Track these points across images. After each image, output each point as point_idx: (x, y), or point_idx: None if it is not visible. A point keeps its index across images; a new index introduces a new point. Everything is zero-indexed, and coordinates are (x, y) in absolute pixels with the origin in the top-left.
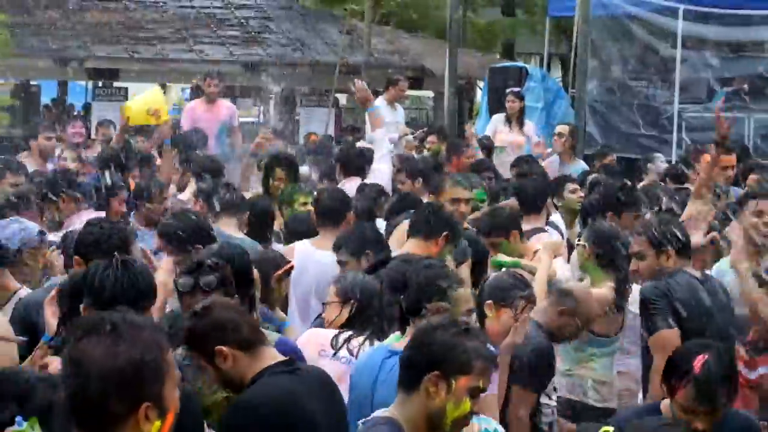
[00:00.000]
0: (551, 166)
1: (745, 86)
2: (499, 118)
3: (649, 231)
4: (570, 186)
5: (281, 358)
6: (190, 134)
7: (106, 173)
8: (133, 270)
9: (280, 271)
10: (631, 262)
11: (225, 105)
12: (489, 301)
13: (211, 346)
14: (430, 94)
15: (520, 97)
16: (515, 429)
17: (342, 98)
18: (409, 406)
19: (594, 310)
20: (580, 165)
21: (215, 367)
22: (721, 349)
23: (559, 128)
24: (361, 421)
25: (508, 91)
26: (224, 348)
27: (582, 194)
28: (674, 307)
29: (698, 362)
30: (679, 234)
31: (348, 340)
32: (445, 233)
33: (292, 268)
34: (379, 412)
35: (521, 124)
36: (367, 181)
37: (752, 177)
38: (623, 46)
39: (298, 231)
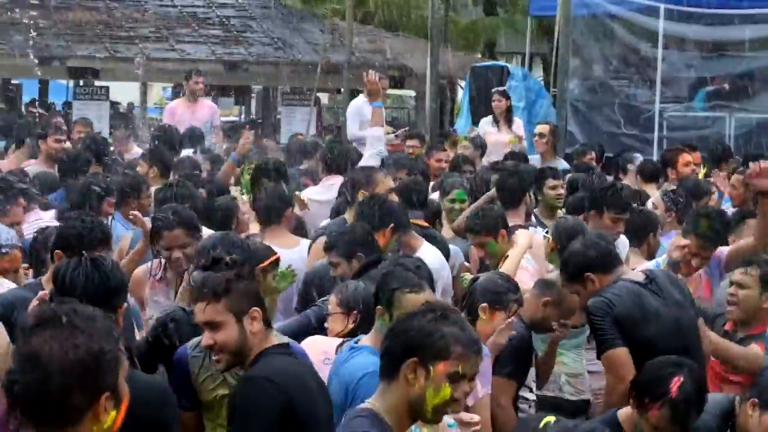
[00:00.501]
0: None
1: (726, 85)
2: (486, 120)
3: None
4: (550, 182)
5: (280, 341)
6: (173, 133)
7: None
8: (103, 268)
9: (265, 263)
10: None
11: (207, 104)
12: (484, 305)
13: (248, 305)
14: (412, 93)
15: (506, 96)
16: (500, 418)
17: (323, 97)
18: (389, 395)
19: (576, 300)
20: (561, 164)
21: (241, 326)
22: (694, 368)
23: (539, 128)
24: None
25: (493, 90)
26: (258, 311)
27: (562, 191)
28: (618, 323)
29: (674, 385)
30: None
31: None
32: (390, 225)
33: (278, 260)
34: (360, 405)
35: (509, 123)
36: None
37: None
38: (604, 45)
39: None
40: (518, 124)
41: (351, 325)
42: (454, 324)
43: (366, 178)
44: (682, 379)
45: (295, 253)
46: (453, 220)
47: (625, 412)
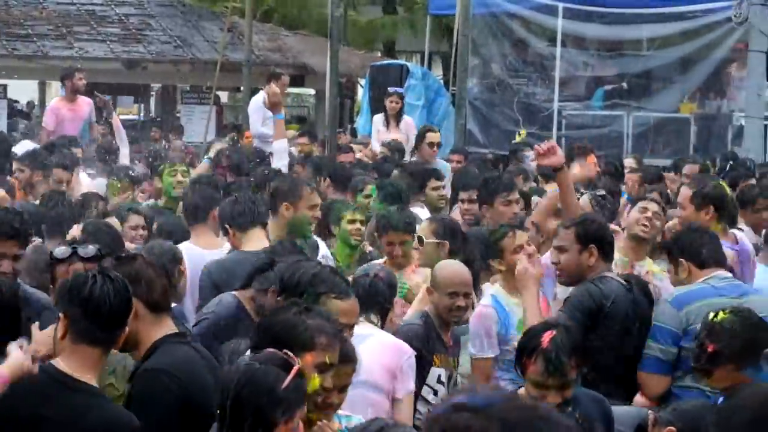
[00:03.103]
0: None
1: (624, 84)
2: (379, 118)
3: (579, 226)
4: (433, 183)
5: (177, 330)
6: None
7: None
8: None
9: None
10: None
11: (85, 101)
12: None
13: None
14: (312, 91)
15: (402, 97)
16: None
17: (223, 96)
18: None
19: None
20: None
21: None
22: (570, 326)
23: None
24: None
25: (391, 90)
26: (132, 299)
27: (444, 192)
28: (603, 318)
29: (546, 337)
30: (606, 234)
31: None
32: (285, 202)
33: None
34: None
35: (398, 123)
36: None
37: (630, 176)
38: (503, 44)
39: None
40: (407, 122)
41: None
42: (317, 316)
43: (291, 191)
44: (554, 333)
45: (215, 255)
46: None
47: (523, 389)
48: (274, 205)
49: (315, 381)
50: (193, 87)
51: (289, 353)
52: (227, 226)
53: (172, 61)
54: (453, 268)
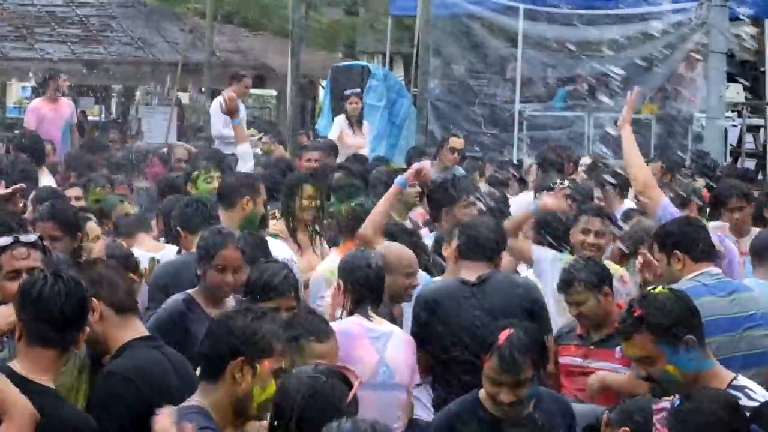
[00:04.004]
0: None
1: (585, 85)
2: (342, 120)
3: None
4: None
5: (147, 333)
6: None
7: None
8: None
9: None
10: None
11: (66, 103)
12: None
13: None
14: (273, 92)
15: (362, 98)
16: None
17: (184, 97)
18: (214, 394)
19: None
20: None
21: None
22: (530, 327)
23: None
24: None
25: (350, 92)
26: (95, 301)
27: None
28: (421, 314)
29: (503, 335)
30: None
31: None
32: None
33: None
34: (187, 402)
35: (360, 126)
36: None
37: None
38: (464, 45)
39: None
40: (366, 127)
41: None
42: (272, 321)
43: (251, 185)
44: (512, 331)
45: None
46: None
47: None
48: (231, 199)
49: (271, 387)
50: (154, 88)
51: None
52: (178, 228)
53: (133, 62)
54: (403, 249)
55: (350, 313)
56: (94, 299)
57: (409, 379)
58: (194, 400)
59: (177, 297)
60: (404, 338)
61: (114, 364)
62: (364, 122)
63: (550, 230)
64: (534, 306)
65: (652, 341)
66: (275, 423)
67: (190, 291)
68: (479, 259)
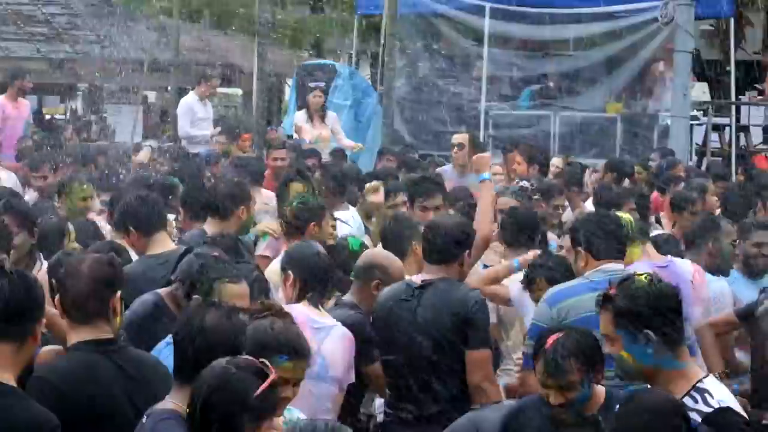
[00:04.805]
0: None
1: (551, 84)
2: (301, 115)
3: None
4: (375, 183)
5: (105, 336)
6: None
7: None
8: None
9: None
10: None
11: (25, 102)
12: None
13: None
14: (239, 91)
15: (325, 92)
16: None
17: (151, 95)
18: (187, 394)
19: (401, 269)
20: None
21: None
22: (580, 331)
23: (459, 138)
24: (147, 411)
25: (313, 85)
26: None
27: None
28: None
29: (551, 339)
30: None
31: None
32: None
33: None
34: (161, 404)
35: (322, 118)
36: None
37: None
38: (431, 43)
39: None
40: (333, 117)
41: None
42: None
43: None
44: (559, 335)
45: None
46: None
47: None
48: (225, 209)
49: None
50: (121, 87)
51: (266, 362)
52: (130, 227)
53: (99, 60)
54: (399, 262)
55: (297, 302)
56: (59, 297)
57: (342, 375)
58: (169, 402)
59: (146, 298)
60: (345, 335)
61: (44, 368)
62: (329, 113)
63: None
64: (465, 319)
65: (611, 322)
66: (188, 412)
67: (160, 291)
68: (435, 261)
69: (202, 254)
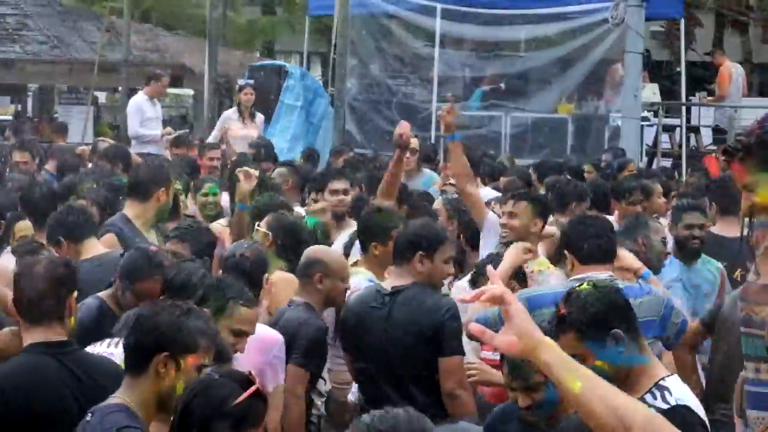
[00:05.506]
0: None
1: (502, 85)
2: (232, 113)
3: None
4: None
5: (58, 339)
6: None
7: None
8: None
9: None
10: None
11: None
12: None
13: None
14: (190, 92)
15: (255, 89)
16: (293, 407)
17: (101, 96)
18: (138, 389)
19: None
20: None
21: None
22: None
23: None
24: (90, 409)
25: (243, 83)
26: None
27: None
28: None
29: None
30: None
31: None
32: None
33: None
34: (109, 400)
35: (252, 117)
36: None
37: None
38: (382, 44)
39: None
40: (261, 119)
41: None
42: (198, 318)
43: (166, 176)
44: None
45: None
46: (207, 215)
47: None
48: (145, 192)
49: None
50: (71, 87)
51: (253, 374)
52: (60, 238)
53: (49, 61)
54: (341, 254)
55: None
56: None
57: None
58: (117, 396)
59: (89, 302)
60: (255, 338)
61: None
62: (258, 114)
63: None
64: (437, 328)
65: (577, 339)
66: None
67: (101, 294)
68: (399, 264)
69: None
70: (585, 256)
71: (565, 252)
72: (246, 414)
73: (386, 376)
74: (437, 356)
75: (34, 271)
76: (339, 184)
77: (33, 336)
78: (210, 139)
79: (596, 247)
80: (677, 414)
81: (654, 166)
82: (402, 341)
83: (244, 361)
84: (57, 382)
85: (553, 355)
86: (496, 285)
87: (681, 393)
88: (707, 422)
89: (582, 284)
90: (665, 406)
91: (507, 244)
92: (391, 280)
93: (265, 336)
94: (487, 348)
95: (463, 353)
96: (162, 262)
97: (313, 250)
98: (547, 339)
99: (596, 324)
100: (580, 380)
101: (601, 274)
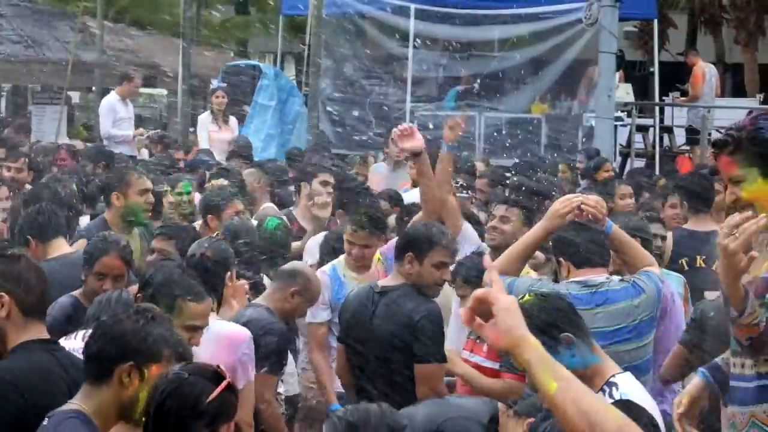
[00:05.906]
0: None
1: (476, 85)
2: (207, 117)
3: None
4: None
5: (46, 337)
6: None
7: None
8: None
9: None
10: None
11: None
12: None
13: None
14: (164, 92)
15: (228, 92)
16: (268, 412)
17: (75, 96)
18: (98, 397)
19: (318, 292)
20: None
21: None
22: None
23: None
24: (48, 414)
25: (216, 86)
26: (6, 296)
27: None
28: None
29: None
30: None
31: None
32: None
33: None
34: (66, 406)
35: (226, 120)
36: None
37: (479, 181)
38: (356, 44)
39: None
40: (234, 122)
41: None
42: (161, 326)
43: (118, 180)
44: None
45: None
46: (182, 213)
47: None
48: (107, 198)
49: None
50: (45, 87)
51: (222, 368)
52: (29, 237)
53: (22, 61)
54: (320, 283)
55: None
56: (5, 294)
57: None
58: (74, 403)
59: (63, 301)
60: (223, 335)
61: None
62: (232, 118)
63: None
64: (412, 331)
65: None
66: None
67: (75, 293)
68: (397, 264)
69: (166, 266)
70: (580, 260)
71: (560, 258)
72: (220, 410)
73: (370, 375)
74: (412, 360)
75: (30, 270)
76: (327, 177)
77: (27, 334)
78: (203, 145)
79: (590, 250)
80: (619, 408)
81: (627, 166)
82: (382, 340)
83: (215, 355)
84: (57, 378)
85: (534, 354)
86: (492, 279)
87: (627, 389)
88: (658, 417)
89: (524, 296)
90: (609, 401)
91: (495, 248)
92: (385, 280)
93: (233, 333)
94: (467, 347)
95: (441, 360)
96: (118, 241)
97: (301, 266)
98: (531, 338)
99: (545, 332)
100: (556, 381)
101: (598, 277)
